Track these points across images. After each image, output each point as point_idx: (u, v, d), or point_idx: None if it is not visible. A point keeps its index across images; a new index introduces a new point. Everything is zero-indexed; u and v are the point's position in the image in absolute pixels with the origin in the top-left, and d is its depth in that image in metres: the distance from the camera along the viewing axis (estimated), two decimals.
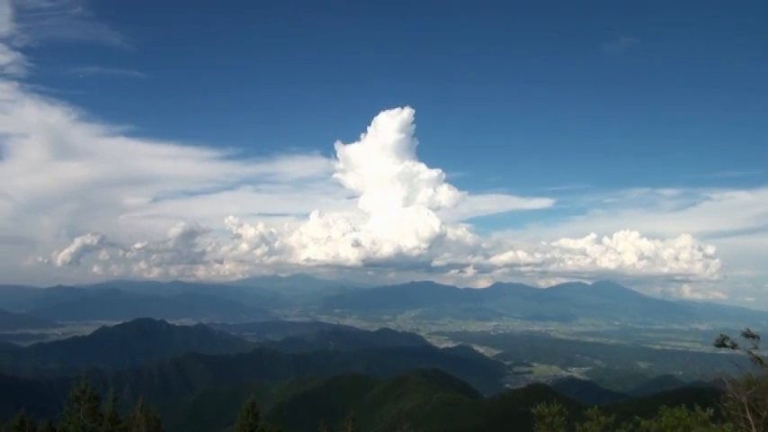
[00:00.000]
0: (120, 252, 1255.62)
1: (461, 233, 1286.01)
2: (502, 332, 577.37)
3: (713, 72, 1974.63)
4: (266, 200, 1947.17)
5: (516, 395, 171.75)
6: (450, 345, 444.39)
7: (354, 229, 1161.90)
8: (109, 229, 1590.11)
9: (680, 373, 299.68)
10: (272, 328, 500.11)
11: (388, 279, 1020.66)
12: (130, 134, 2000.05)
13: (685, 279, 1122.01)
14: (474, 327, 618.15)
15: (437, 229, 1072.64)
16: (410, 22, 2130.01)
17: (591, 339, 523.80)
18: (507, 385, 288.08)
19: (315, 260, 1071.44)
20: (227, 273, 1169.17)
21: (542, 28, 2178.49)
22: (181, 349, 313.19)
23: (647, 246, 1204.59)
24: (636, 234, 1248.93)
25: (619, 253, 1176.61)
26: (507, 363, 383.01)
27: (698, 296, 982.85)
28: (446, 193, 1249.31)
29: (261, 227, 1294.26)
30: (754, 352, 16.95)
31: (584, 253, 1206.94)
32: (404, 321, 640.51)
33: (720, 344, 17.47)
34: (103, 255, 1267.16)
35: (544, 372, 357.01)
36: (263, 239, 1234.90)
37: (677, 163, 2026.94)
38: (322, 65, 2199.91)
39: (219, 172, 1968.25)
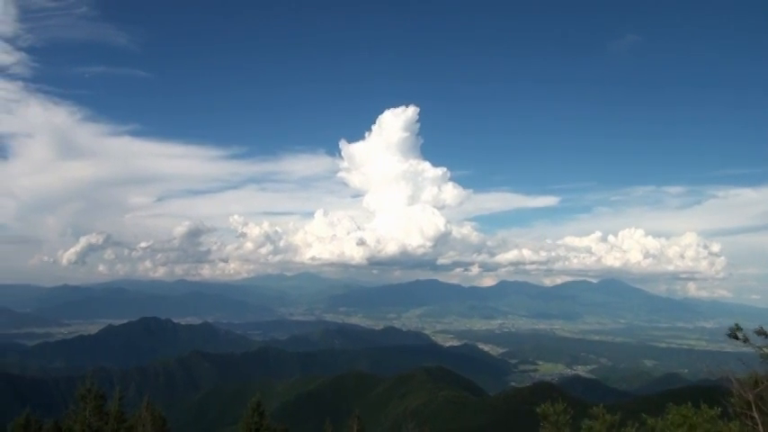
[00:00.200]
0: (126, 251, 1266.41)
1: (466, 231, 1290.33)
2: (507, 330, 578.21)
3: (718, 70, 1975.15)
4: (271, 199, 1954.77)
5: (521, 393, 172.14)
6: (456, 343, 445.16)
7: (359, 228, 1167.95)
8: (114, 229, 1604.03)
9: (685, 371, 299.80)
10: (278, 327, 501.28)
11: (393, 277, 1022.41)
12: (135, 134, 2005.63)
13: (691, 277, 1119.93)
14: (479, 325, 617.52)
15: (442, 228, 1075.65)
16: (416, 21, 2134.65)
17: (596, 337, 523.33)
18: (512, 383, 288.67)
19: (320, 259, 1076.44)
20: (232, 271, 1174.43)
21: (547, 27, 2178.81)
22: (186, 348, 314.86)
23: (652, 244, 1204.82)
24: (641, 232, 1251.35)
25: (624, 251, 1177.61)
26: (512, 361, 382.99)
27: (703, 294, 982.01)
28: (451, 192, 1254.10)
29: (266, 226, 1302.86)
30: (766, 349, 16.84)
31: (589, 251, 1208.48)
32: (409, 320, 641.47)
33: (733, 335, 17.34)
34: (109, 254, 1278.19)
35: (549, 370, 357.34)
36: (268, 238, 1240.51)
37: (682, 161, 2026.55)
38: (326, 64, 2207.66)
39: (224, 171, 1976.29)
